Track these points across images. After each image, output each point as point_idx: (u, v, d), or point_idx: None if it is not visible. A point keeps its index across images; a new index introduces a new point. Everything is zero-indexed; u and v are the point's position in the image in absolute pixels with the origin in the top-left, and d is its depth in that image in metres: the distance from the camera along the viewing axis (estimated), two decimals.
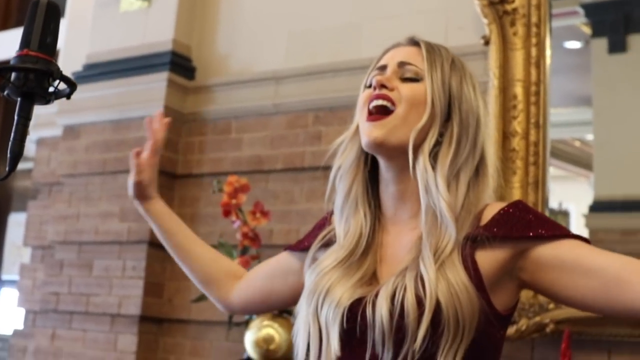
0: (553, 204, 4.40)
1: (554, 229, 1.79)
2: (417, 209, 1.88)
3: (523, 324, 3.54)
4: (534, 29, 3.78)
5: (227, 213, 3.90)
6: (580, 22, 4.41)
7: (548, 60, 3.78)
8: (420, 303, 1.70)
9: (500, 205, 1.84)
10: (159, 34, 4.86)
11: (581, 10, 4.31)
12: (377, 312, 1.72)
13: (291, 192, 4.37)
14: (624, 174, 4.16)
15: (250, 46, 4.76)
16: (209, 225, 4.55)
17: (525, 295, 3.53)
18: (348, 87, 4.18)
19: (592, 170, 4.31)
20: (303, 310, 1.88)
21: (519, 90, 3.73)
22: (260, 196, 4.21)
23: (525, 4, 3.79)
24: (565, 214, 4.75)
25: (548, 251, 1.77)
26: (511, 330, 3.52)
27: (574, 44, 4.52)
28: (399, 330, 1.71)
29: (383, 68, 1.96)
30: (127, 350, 4.55)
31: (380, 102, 1.88)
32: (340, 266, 1.86)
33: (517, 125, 3.70)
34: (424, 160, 1.85)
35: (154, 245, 4.42)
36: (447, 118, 1.90)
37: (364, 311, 1.76)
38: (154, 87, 4.75)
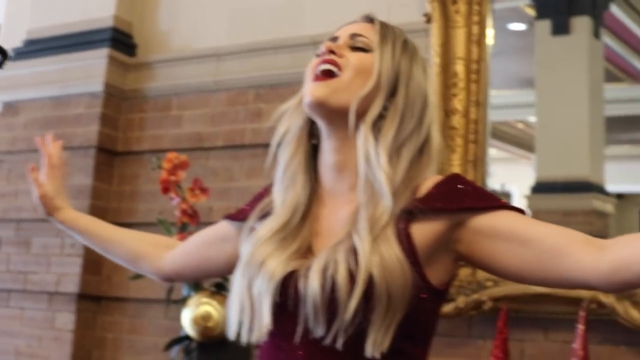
0: (495, 185, 4.42)
1: (490, 200, 1.78)
2: (355, 181, 1.85)
3: (461, 301, 3.55)
4: (475, 7, 3.78)
5: (166, 190, 3.87)
6: (524, 4, 4.43)
7: (489, 39, 3.78)
8: (352, 277, 1.67)
9: (437, 178, 1.82)
10: (99, 10, 4.81)
11: None
12: (309, 285, 1.70)
13: (231, 169, 4.35)
14: (565, 155, 4.19)
15: (192, 23, 4.73)
16: (148, 203, 4.52)
17: (464, 272, 3.55)
18: (289, 64, 4.17)
19: (534, 152, 4.34)
20: (237, 282, 1.85)
21: (460, 68, 3.74)
22: (200, 173, 4.18)
23: None
24: (507, 195, 4.78)
25: (483, 222, 1.76)
26: (449, 307, 3.54)
27: (518, 26, 4.54)
28: (330, 304, 1.68)
29: (335, 39, 1.94)
30: (64, 328, 4.51)
31: (327, 66, 1.86)
32: (275, 237, 1.83)
33: (458, 103, 3.71)
34: (365, 129, 1.83)
35: None
36: (393, 94, 1.88)
37: (296, 285, 1.73)
38: (95, 63, 4.71)
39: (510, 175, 4.77)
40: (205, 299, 3.75)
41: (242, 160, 4.30)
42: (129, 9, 4.85)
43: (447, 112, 3.70)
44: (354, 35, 1.92)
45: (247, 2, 4.58)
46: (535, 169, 4.23)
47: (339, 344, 1.68)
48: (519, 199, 4.42)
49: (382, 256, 1.69)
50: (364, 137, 1.83)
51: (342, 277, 1.68)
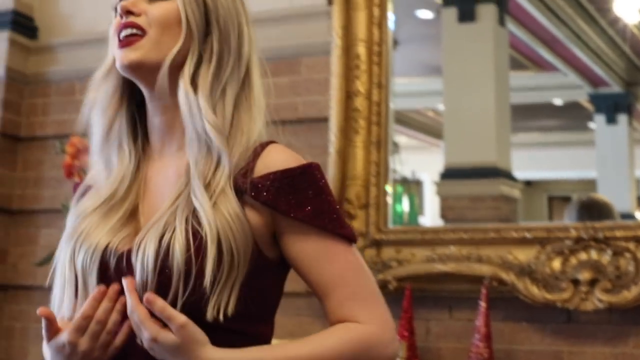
0: (407, 172, 4.46)
1: (323, 219, 1.73)
2: (184, 140, 1.78)
3: None
4: None
5: (69, 174, 3.83)
6: None
7: (390, 21, 3.79)
8: (188, 245, 1.63)
9: (285, 155, 1.75)
10: None
11: None
12: (141, 255, 1.64)
13: None
14: (473, 142, 4.24)
15: (94, 5, 4.66)
16: (53, 189, 4.46)
17: (368, 253, 3.58)
18: None
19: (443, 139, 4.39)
20: (60, 256, 1.78)
21: (361, 50, 3.75)
22: None
23: None
24: (418, 183, 4.83)
25: (295, 235, 1.73)
26: None
27: (425, 14, 4.57)
28: (161, 274, 1.62)
29: None
30: None
31: (128, 31, 1.76)
32: (100, 209, 1.78)
33: (360, 85, 3.72)
34: (185, 84, 1.75)
35: None
36: (206, 34, 1.80)
37: (128, 256, 1.67)
38: None
39: (421, 162, 4.83)
40: None
41: None
42: None
43: (349, 94, 3.72)
44: None
45: None
46: (444, 156, 4.27)
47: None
48: (430, 186, 4.46)
49: (224, 216, 1.65)
50: (184, 93, 1.76)
51: (179, 246, 1.63)
